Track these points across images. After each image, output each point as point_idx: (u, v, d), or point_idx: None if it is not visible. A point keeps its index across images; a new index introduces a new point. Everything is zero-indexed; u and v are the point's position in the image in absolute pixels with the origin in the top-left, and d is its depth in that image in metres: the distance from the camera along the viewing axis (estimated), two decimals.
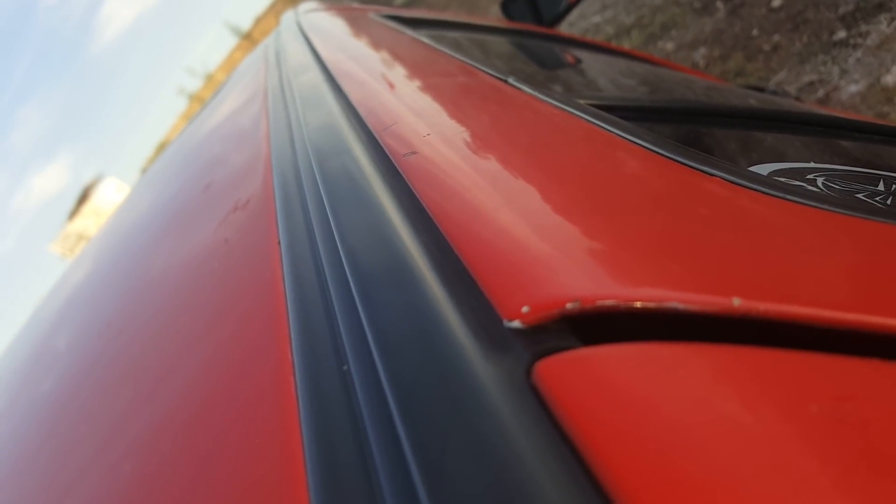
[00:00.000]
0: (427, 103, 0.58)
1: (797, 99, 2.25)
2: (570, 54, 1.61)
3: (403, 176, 0.42)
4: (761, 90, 1.97)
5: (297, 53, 1.11)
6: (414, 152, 0.44)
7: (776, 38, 3.72)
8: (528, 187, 0.35)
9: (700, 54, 4.14)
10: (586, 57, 1.55)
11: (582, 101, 0.51)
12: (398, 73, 0.75)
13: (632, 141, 0.41)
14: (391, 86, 0.66)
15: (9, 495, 0.54)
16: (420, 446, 0.23)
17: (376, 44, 0.96)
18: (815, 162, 0.52)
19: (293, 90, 0.86)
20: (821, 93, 3.28)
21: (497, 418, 0.22)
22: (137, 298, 0.71)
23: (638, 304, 0.24)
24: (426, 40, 0.98)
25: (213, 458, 0.34)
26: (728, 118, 0.63)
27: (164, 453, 0.39)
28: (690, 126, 0.61)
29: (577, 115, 0.47)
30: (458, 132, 0.46)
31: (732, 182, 0.35)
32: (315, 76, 0.85)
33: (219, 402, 0.38)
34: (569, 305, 0.24)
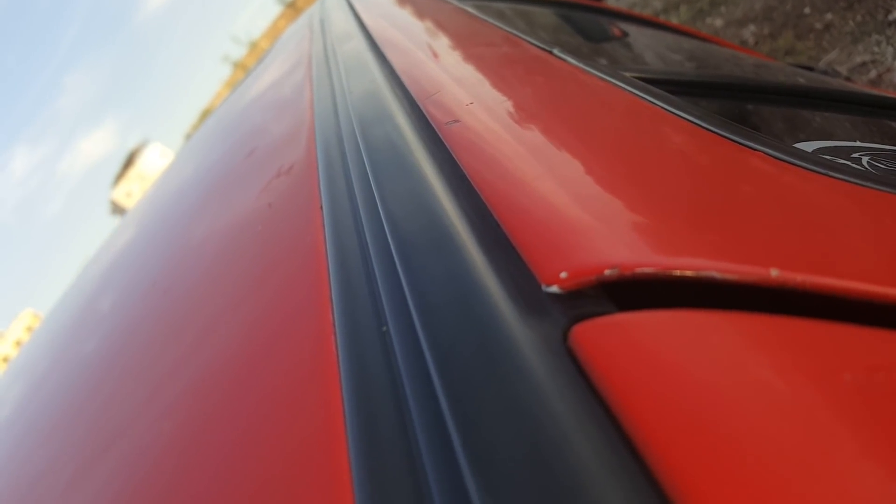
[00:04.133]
0: (470, 73, 0.58)
1: (847, 79, 2.19)
2: (615, 27, 1.58)
3: (445, 144, 0.42)
4: (811, 69, 1.92)
5: (341, 21, 1.12)
6: (456, 121, 0.44)
7: (829, 16, 3.62)
8: (569, 157, 0.36)
9: (749, 31, 4.05)
10: (632, 31, 1.53)
11: (627, 74, 0.51)
12: (442, 41, 0.75)
13: (675, 114, 0.41)
14: (435, 55, 0.66)
15: (59, 449, 0.56)
16: (458, 407, 0.23)
17: (420, 12, 0.96)
18: (861, 141, 0.51)
19: (337, 58, 0.87)
20: (873, 74, 3.19)
21: (533, 380, 0.22)
22: (182, 259, 0.73)
23: (676, 273, 0.24)
24: (470, 10, 0.98)
25: (255, 418, 0.35)
26: (774, 95, 0.62)
27: (206, 412, 0.40)
28: (736, 102, 0.61)
29: (622, 87, 0.47)
30: (500, 102, 0.46)
31: (775, 157, 0.34)
32: (359, 44, 0.86)
33: (261, 361, 0.39)
34: (607, 272, 0.24)
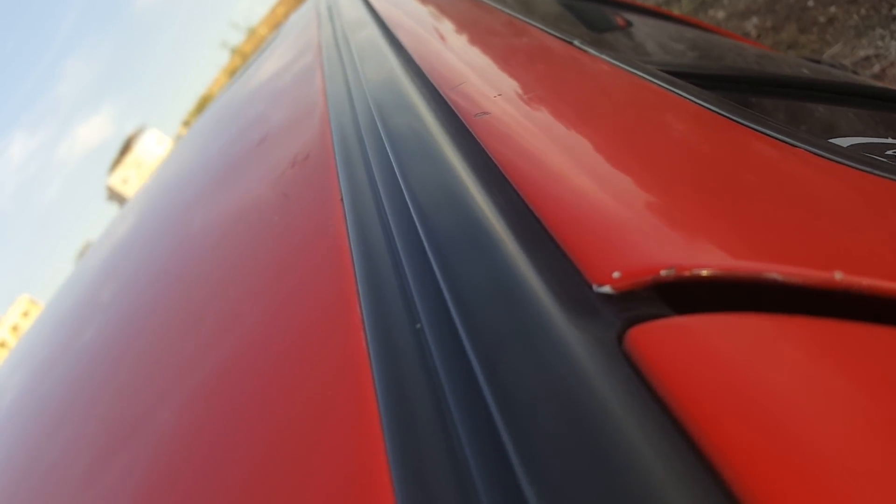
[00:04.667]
0: (493, 63, 0.57)
1: (853, 73, 2.19)
2: (620, 17, 1.57)
3: (475, 136, 0.42)
4: (817, 62, 1.91)
5: (351, 9, 1.10)
6: (486, 112, 0.43)
7: (832, 9, 3.61)
8: (610, 152, 0.35)
9: (752, 24, 4.04)
10: (636, 21, 1.52)
11: (652, 66, 0.50)
12: (459, 31, 0.74)
13: (710, 109, 0.40)
14: (454, 45, 0.65)
15: (66, 445, 0.55)
16: (510, 411, 0.22)
17: (434, 1, 0.95)
18: (892, 137, 0.51)
19: (350, 46, 0.86)
20: (877, 68, 3.19)
21: (590, 385, 0.22)
22: (194, 248, 0.72)
23: (735, 274, 0.23)
24: None
25: (280, 418, 0.33)
26: (802, 90, 0.62)
27: (224, 412, 0.39)
28: (763, 97, 0.60)
29: (650, 80, 0.46)
30: (528, 93, 0.45)
31: (819, 155, 0.34)
32: (372, 32, 0.85)
33: (285, 355, 0.38)
34: (663, 272, 0.24)
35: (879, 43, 3.29)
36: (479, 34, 0.75)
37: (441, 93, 0.51)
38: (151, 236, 0.95)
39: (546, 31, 0.68)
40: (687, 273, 0.23)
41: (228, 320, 0.48)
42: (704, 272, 0.23)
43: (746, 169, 0.33)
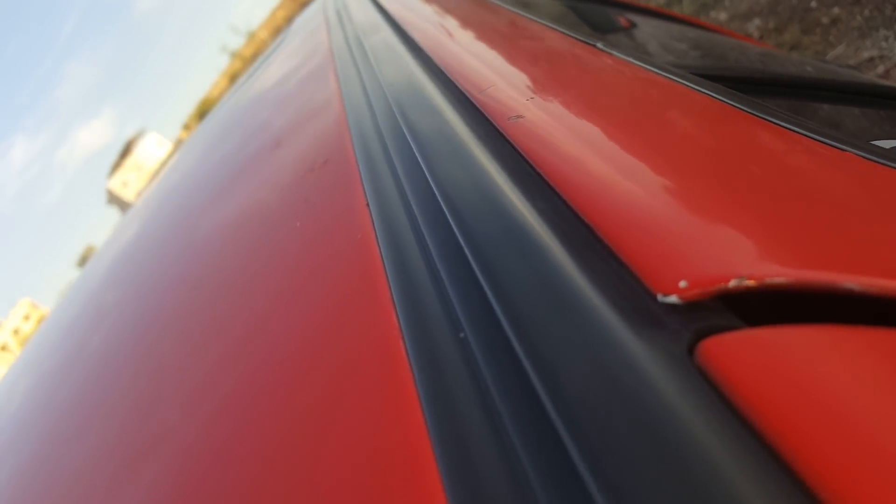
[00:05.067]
0: (515, 66, 0.56)
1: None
2: (622, 18, 1.56)
3: (510, 140, 0.41)
4: (824, 63, 1.91)
5: (362, 13, 1.10)
6: (520, 116, 0.42)
7: (835, 10, 3.61)
8: (660, 156, 0.34)
9: (754, 25, 4.04)
10: (648, 23, 1.51)
11: (682, 69, 0.50)
12: (477, 34, 0.73)
13: (750, 112, 0.39)
14: (474, 48, 0.65)
15: (88, 454, 0.54)
16: (580, 429, 0.22)
17: (448, 5, 0.94)
18: None
19: (365, 50, 0.85)
20: (881, 69, 3.19)
21: (662, 399, 0.21)
22: (211, 254, 0.71)
23: (809, 284, 0.22)
24: (495, 1, 0.96)
25: (325, 446, 0.32)
26: (833, 92, 0.61)
27: (260, 422, 0.38)
28: (795, 100, 0.59)
29: (685, 84, 0.45)
30: (560, 96, 0.45)
31: (870, 159, 0.33)
32: (387, 35, 0.84)
33: (322, 366, 0.37)
34: (732, 282, 0.23)
35: (883, 44, 3.29)
36: (496, 36, 0.75)
37: (469, 96, 0.50)
38: (166, 242, 0.94)
39: (568, 34, 0.67)
40: (758, 283, 0.23)
41: (255, 332, 0.47)
42: (778, 281, 0.22)
43: (803, 174, 0.32)
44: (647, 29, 1.45)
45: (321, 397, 0.35)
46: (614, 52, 0.57)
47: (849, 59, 3.37)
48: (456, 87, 0.53)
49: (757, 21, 4.12)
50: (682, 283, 0.24)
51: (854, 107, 0.70)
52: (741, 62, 1.21)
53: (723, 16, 4.43)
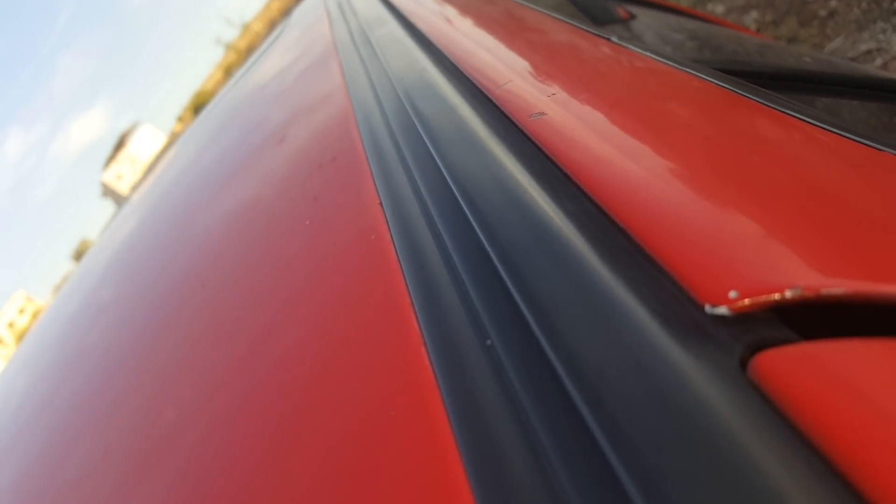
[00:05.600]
0: (530, 61, 0.55)
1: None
2: (622, 9, 1.54)
3: (531, 138, 0.39)
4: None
5: (366, 5, 1.08)
6: (542, 113, 0.41)
7: (833, 3, 3.60)
8: (698, 158, 0.33)
9: (751, 18, 4.02)
10: (654, 16, 1.50)
11: (704, 65, 0.48)
12: (487, 28, 0.72)
13: (779, 110, 0.38)
14: (486, 42, 0.63)
15: (94, 453, 0.53)
16: (622, 445, 0.21)
17: None
18: None
19: (371, 44, 0.84)
20: (878, 62, 3.18)
21: (714, 416, 0.20)
22: (216, 254, 0.69)
23: (870, 295, 0.21)
24: None
25: (347, 456, 0.31)
26: (849, 88, 0.60)
27: (278, 432, 0.37)
28: (813, 95, 0.58)
29: (708, 80, 0.44)
30: (582, 93, 0.43)
31: None
32: (394, 29, 0.83)
33: (338, 379, 0.36)
34: (787, 293, 0.22)
35: (881, 36, 3.29)
36: (506, 30, 0.73)
37: (485, 92, 0.49)
38: (168, 239, 0.93)
39: (581, 28, 0.66)
40: (813, 294, 0.22)
41: (265, 339, 0.46)
42: (835, 292, 0.21)
43: (857, 180, 0.31)
44: (659, 23, 1.44)
45: (339, 407, 0.34)
46: (630, 47, 0.56)
47: (846, 52, 3.37)
48: (471, 82, 0.52)
49: (754, 14, 4.11)
50: (733, 294, 0.23)
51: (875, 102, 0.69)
52: (764, 58, 1.20)
53: (720, 8, 4.42)
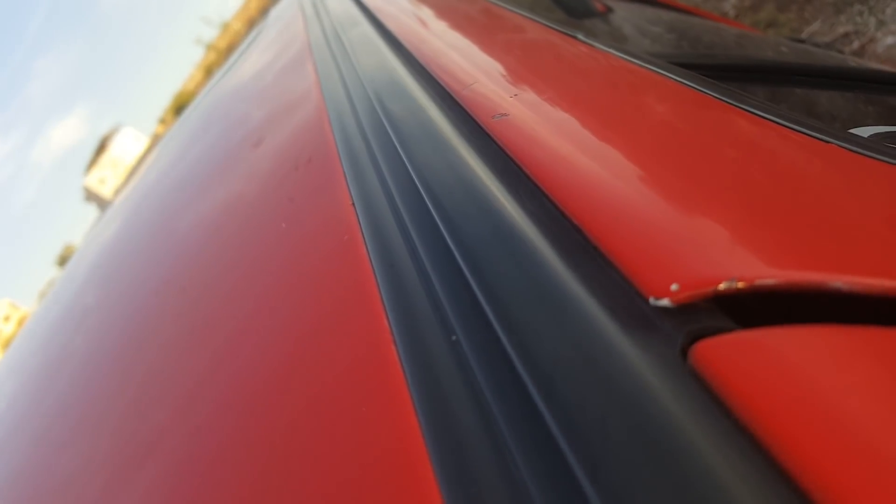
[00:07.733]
0: (497, 61, 0.56)
1: (839, 52, 2.20)
2: (599, 3, 1.55)
3: (494, 139, 0.41)
4: (801, 42, 1.92)
5: (339, 5, 1.09)
6: (505, 114, 0.42)
7: None
8: (647, 154, 0.34)
9: (730, 4, 4.05)
10: (620, 7, 1.51)
11: (663, 60, 0.50)
12: (456, 27, 0.73)
13: (733, 104, 0.39)
14: (455, 42, 0.64)
15: (85, 457, 0.54)
16: (575, 432, 0.22)
17: None
18: None
19: (343, 45, 0.85)
20: (856, 45, 3.21)
21: (656, 402, 0.21)
22: (194, 256, 0.70)
23: (800, 285, 0.23)
24: None
25: (318, 453, 0.32)
26: (810, 77, 0.61)
27: (248, 434, 0.38)
28: (772, 86, 0.59)
29: (666, 75, 0.45)
30: (545, 93, 0.45)
31: (852, 150, 0.33)
32: (366, 30, 0.84)
33: (313, 371, 0.37)
34: (723, 284, 0.23)
35: (858, 19, 3.31)
36: (474, 28, 0.74)
37: (451, 93, 0.50)
38: (149, 243, 0.93)
39: (548, 26, 0.67)
40: (748, 284, 0.23)
41: (243, 336, 0.47)
42: (768, 282, 0.23)
43: (790, 171, 0.32)
44: (625, 15, 1.45)
45: (312, 404, 0.35)
46: (595, 44, 0.57)
47: (824, 35, 3.40)
48: (438, 83, 0.53)
49: None
50: (674, 286, 0.24)
51: (873, 95, 0.71)
52: (726, 48, 1.22)
53: None
